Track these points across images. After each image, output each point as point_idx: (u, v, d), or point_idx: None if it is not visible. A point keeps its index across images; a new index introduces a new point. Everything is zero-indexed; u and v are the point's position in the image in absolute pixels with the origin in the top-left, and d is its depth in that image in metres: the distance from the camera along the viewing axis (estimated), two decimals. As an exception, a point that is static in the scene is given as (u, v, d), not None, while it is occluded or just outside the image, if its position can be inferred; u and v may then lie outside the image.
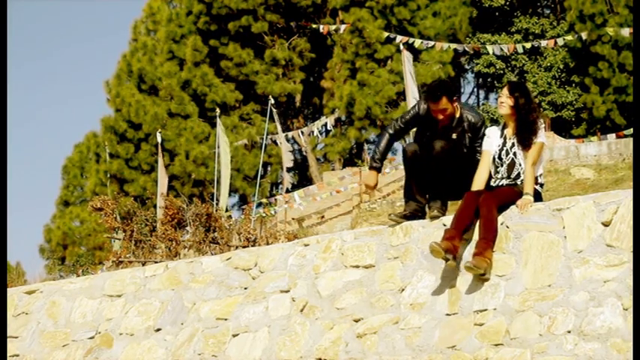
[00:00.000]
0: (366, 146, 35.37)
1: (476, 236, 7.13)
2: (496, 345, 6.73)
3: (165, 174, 26.49)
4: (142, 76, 34.51)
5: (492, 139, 7.55)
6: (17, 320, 9.30)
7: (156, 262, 10.96)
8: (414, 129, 8.07)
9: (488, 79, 38.55)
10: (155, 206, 23.21)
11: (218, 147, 25.40)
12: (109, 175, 34.08)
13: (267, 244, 12.94)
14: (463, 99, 39.20)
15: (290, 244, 8.46)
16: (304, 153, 35.64)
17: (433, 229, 7.50)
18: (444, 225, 7.42)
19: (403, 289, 7.39)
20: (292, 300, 7.88)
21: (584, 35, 30.84)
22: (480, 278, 7.01)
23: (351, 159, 34.22)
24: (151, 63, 34.59)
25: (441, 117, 7.76)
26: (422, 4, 33.06)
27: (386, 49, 31.74)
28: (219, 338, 8.04)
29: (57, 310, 9.12)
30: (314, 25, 34.01)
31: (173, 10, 36.26)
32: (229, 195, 27.29)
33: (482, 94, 40.90)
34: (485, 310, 6.91)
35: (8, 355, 9.03)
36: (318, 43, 34.51)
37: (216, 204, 22.08)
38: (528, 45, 32.44)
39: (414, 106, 8.08)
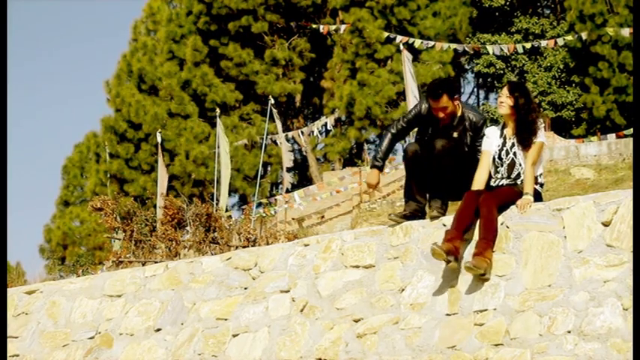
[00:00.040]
0: (366, 146, 35.38)
1: (476, 236, 7.13)
2: (496, 345, 6.73)
3: (166, 174, 26.48)
4: (142, 76, 34.52)
5: (492, 139, 7.55)
6: (17, 320, 9.30)
7: (156, 262, 10.95)
8: (416, 129, 8.07)
9: (489, 79, 38.56)
10: (155, 206, 23.20)
11: (218, 147, 25.41)
12: (109, 175, 34.09)
13: (267, 244, 12.94)
14: (463, 99, 39.15)
15: (290, 244, 8.45)
16: (304, 153, 35.64)
17: (433, 229, 7.50)
18: (444, 225, 7.42)
19: (403, 289, 7.39)
20: (292, 300, 7.88)
21: (584, 35, 30.84)
22: (480, 278, 7.01)
23: (351, 159, 34.23)
24: (151, 63, 34.59)
25: (441, 115, 7.75)
26: (422, 4, 33.06)
27: (386, 49, 31.74)
28: (219, 338, 8.04)
29: (57, 310, 9.12)
30: (314, 25, 34.01)
31: (173, 10, 36.27)
32: (229, 195, 27.31)
33: (482, 94, 40.94)
34: (486, 310, 6.91)
35: (8, 355, 9.03)
36: (318, 43, 34.52)
37: (216, 204, 22.08)
38: (528, 45, 32.44)
39: (416, 106, 8.07)
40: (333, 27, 33.52)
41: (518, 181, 7.35)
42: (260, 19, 33.46)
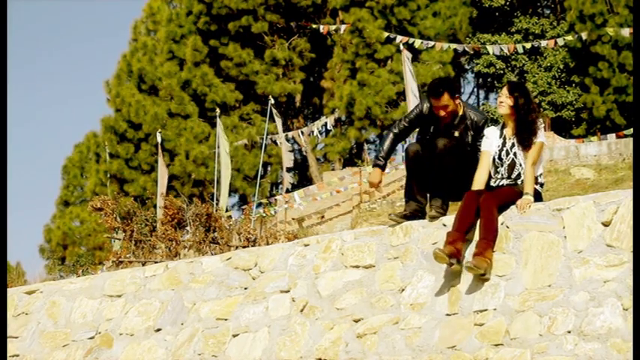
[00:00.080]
0: (366, 146, 35.38)
1: (476, 236, 7.14)
2: (496, 345, 6.73)
3: (166, 174, 26.49)
4: (142, 76, 34.52)
5: (491, 139, 7.55)
6: (17, 320, 9.30)
7: (156, 262, 10.95)
8: (417, 129, 8.07)
9: (489, 79, 38.55)
10: (155, 206, 23.20)
11: (218, 147, 25.41)
12: (109, 175, 34.09)
13: (267, 244, 12.94)
14: (463, 99, 39.13)
15: (290, 244, 8.45)
16: (304, 153, 35.64)
17: (433, 229, 7.50)
18: (444, 225, 7.42)
19: (403, 289, 7.38)
20: (292, 300, 7.88)
21: (584, 35, 30.84)
22: (480, 278, 7.01)
23: (351, 159, 34.22)
24: (151, 63, 34.59)
25: (442, 113, 7.75)
26: (422, 4, 33.07)
27: (386, 49, 31.74)
28: (219, 338, 8.04)
29: (57, 310, 9.12)
30: (314, 25, 34.01)
31: (173, 10, 36.27)
32: (229, 195, 27.30)
33: (482, 94, 40.94)
34: (486, 310, 6.91)
35: (8, 355, 9.03)
36: (318, 43, 34.51)
37: (216, 204, 22.08)
38: (528, 45, 32.44)
39: (417, 106, 8.08)
40: (333, 27, 33.52)
41: (519, 181, 7.35)
42: (260, 19, 33.46)
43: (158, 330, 8.42)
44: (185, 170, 32.49)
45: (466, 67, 38.96)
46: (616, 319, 6.38)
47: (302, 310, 7.77)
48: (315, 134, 34.38)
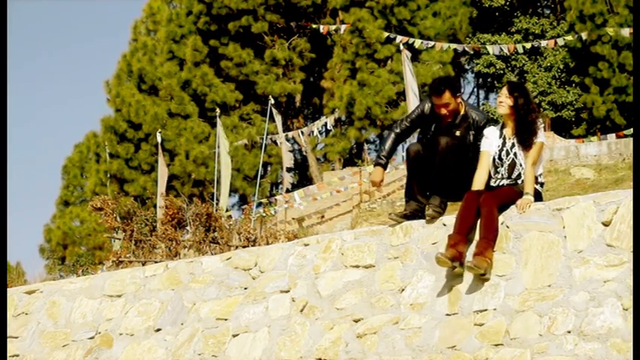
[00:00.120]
0: (366, 146, 35.38)
1: (476, 236, 7.13)
2: (496, 345, 6.73)
3: (166, 174, 26.49)
4: (142, 76, 34.52)
5: (491, 140, 7.55)
6: (17, 320, 9.30)
7: (156, 262, 10.95)
8: (419, 129, 8.06)
9: (489, 79, 38.56)
10: (155, 206, 23.21)
11: (218, 147, 25.41)
12: (109, 175, 34.10)
13: (267, 244, 12.93)
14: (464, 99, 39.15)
15: (290, 244, 8.45)
16: (304, 153, 35.64)
17: (433, 228, 7.49)
18: (445, 225, 7.42)
19: (403, 289, 7.38)
20: (292, 300, 7.88)
21: (584, 35, 30.84)
22: (480, 278, 7.01)
23: (351, 159, 34.22)
24: (151, 63, 34.60)
25: (444, 111, 7.76)
26: (422, 4, 33.07)
27: (386, 49, 31.74)
28: (219, 338, 8.04)
29: (57, 310, 9.12)
30: (314, 25, 34.01)
31: (173, 10, 36.27)
32: (229, 195, 27.30)
33: (482, 94, 40.95)
34: (486, 310, 6.90)
35: (8, 355, 9.02)
36: (318, 43, 34.51)
37: (216, 204, 22.09)
38: (528, 45, 32.44)
39: (419, 106, 8.09)
40: (333, 27, 33.52)
41: (519, 181, 7.35)
42: (260, 19, 33.45)
43: (158, 330, 8.42)
44: (185, 170, 32.49)
45: (466, 67, 38.97)
46: (616, 319, 6.38)
47: (302, 310, 7.77)
48: (315, 134, 34.38)
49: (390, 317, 7.30)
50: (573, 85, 32.93)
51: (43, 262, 34.28)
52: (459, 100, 7.82)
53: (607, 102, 30.66)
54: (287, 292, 7.95)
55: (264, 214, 27.01)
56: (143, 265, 12.05)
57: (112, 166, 33.85)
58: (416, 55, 31.05)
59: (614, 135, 29.05)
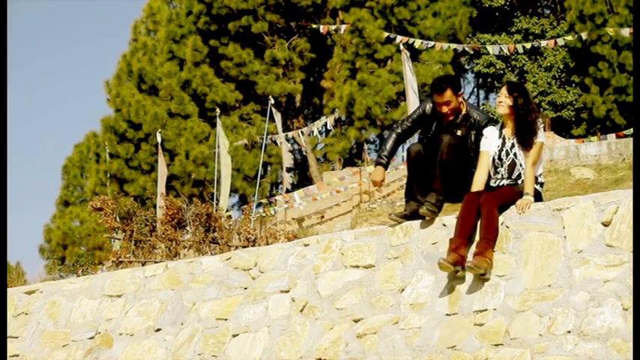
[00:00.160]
0: (366, 146, 35.37)
1: (476, 236, 7.13)
2: (496, 345, 6.73)
3: (166, 174, 26.49)
4: (142, 76, 34.52)
5: (490, 140, 7.55)
6: (17, 320, 9.30)
7: (156, 262, 10.96)
8: (420, 130, 8.05)
9: (488, 79, 38.56)
10: (155, 206, 23.22)
11: (218, 147, 25.42)
12: (109, 175, 34.10)
13: (267, 244, 12.94)
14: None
15: (290, 244, 8.45)
16: (304, 153, 35.64)
17: (433, 228, 7.49)
18: (444, 225, 7.42)
19: (403, 289, 7.38)
20: (292, 300, 7.88)
21: (584, 35, 30.84)
22: (480, 278, 7.01)
23: (351, 159, 34.23)
24: (151, 63, 34.60)
25: (445, 109, 7.76)
26: (422, 4, 33.06)
27: (386, 49, 31.74)
28: (219, 338, 8.04)
29: (57, 310, 9.12)
30: (314, 25, 34.01)
31: (173, 10, 36.27)
32: (229, 195, 27.30)
33: (482, 94, 40.95)
34: (486, 310, 6.90)
35: (8, 355, 9.03)
36: (318, 43, 34.52)
37: (216, 204, 22.10)
38: (528, 45, 32.44)
39: (420, 106, 8.09)
40: (333, 27, 33.51)
41: (519, 182, 7.35)
42: (260, 19, 33.46)
43: (158, 330, 8.42)
44: (185, 170, 32.49)
45: (466, 67, 38.97)
46: (616, 319, 6.38)
47: (302, 310, 7.77)
48: (315, 134, 34.38)
49: (390, 317, 7.30)
50: (573, 85, 32.93)
51: (43, 263, 34.30)
52: (460, 99, 7.82)
53: (607, 102, 30.66)
54: (287, 292, 7.95)
55: (264, 214, 27.00)
56: (143, 265, 12.05)
57: (112, 166, 33.85)
58: (416, 55, 31.04)
59: (614, 135, 29.05)
